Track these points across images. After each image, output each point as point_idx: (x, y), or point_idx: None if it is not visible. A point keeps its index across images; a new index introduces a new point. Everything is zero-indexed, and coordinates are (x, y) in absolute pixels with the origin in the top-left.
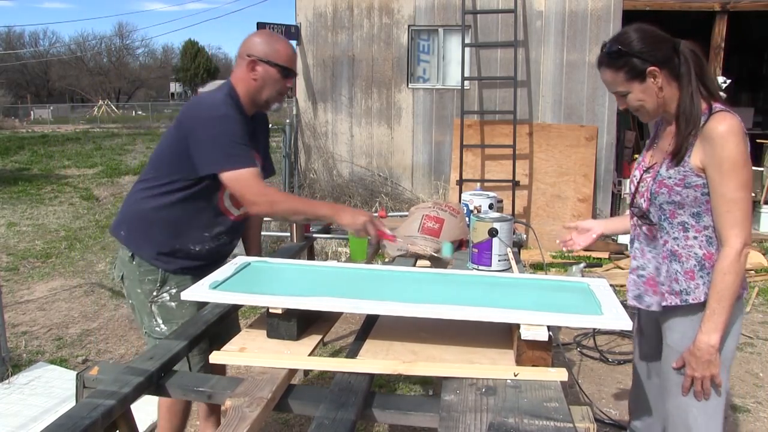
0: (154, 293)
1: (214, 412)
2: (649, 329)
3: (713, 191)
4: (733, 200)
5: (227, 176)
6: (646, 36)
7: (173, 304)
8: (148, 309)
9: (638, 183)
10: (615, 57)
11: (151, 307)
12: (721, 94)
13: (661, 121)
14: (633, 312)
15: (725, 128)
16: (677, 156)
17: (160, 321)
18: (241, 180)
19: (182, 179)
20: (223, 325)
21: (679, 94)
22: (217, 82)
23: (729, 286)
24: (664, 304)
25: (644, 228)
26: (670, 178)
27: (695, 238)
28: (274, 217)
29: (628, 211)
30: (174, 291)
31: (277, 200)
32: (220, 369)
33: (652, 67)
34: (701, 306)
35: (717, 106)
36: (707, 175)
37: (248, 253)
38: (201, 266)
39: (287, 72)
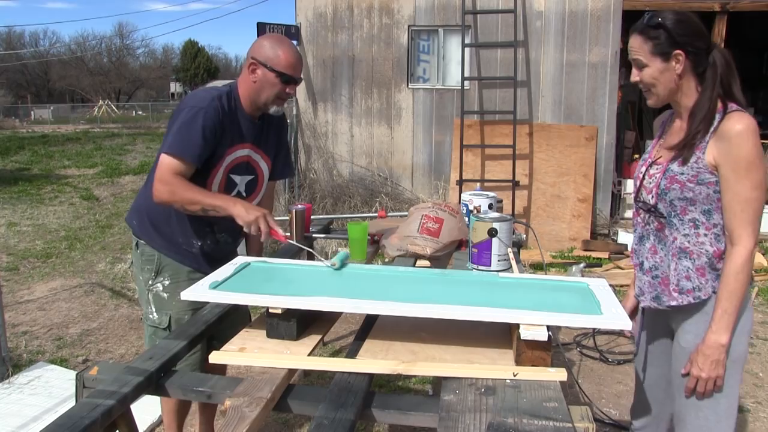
0: (150, 282)
1: (209, 405)
2: (658, 331)
3: (727, 190)
4: (748, 200)
5: (160, 156)
6: (688, 22)
7: (165, 295)
8: (146, 296)
9: (643, 178)
10: (652, 26)
11: (148, 295)
12: None
13: (670, 116)
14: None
15: (742, 127)
16: (683, 151)
17: (153, 309)
18: (161, 164)
19: None
20: (227, 321)
21: (698, 94)
22: (217, 83)
23: (741, 286)
24: (673, 303)
25: (655, 224)
26: (682, 174)
27: (705, 235)
28: (174, 206)
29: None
30: (167, 282)
31: (176, 190)
32: (220, 369)
33: (678, 51)
34: (711, 302)
35: (732, 105)
36: (720, 174)
37: (249, 254)
38: (203, 263)
39: (286, 78)
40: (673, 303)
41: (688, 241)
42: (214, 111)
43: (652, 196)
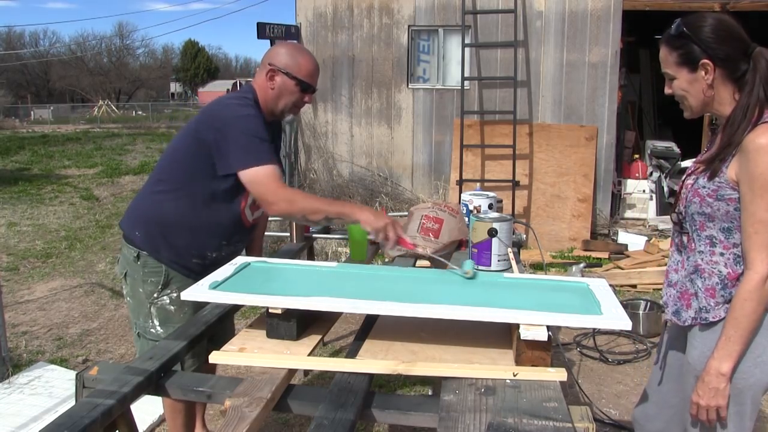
0: (155, 295)
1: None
2: (678, 344)
3: (743, 209)
4: (763, 221)
5: (246, 175)
6: (718, 28)
7: (173, 307)
8: (146, 310)
9: (681, 188)
10: (675, 36)
11: (150, 308)
12: None
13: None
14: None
15: (764, 142)
16: (712, 164)
17: (156, 323)
18: (259, 180)
19: (206, 184)
20: (219, 327)
21: (736, 102)
22: (218, 82)
23: (748, 314)
24: (687, 322)
25: (685, 237)
26: (704, 187)
27: (722, 254)
28: (292, 217)
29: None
30: (175, 295)
31: (295, 200)
32: (211, 370)
33: (705, 60)
34: (722, 324)
35: None
36: (740, 191)
37: (249, 254)
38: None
39: (305, 86)
40: (688, 322)
41: (702, 259)
42: (256, 113)
43: (684, 208)
